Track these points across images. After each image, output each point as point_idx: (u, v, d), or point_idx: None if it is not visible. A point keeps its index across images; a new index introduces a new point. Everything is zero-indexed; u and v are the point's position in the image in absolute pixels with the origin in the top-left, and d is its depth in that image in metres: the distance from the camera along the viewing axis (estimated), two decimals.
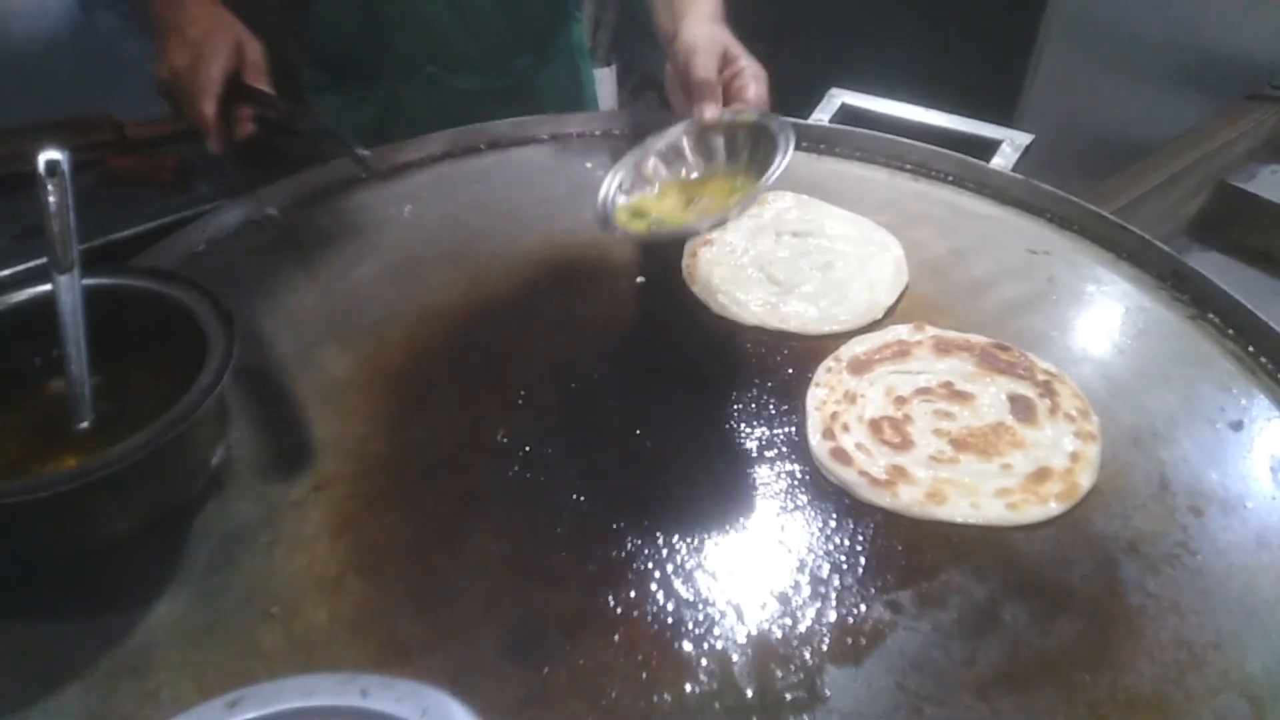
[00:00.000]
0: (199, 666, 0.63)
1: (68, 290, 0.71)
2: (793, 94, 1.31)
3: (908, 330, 0.90)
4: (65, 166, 0.70)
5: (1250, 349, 0.87)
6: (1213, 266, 0.93)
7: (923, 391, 0.83)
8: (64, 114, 1.30)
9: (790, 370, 0.87)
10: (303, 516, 0.73)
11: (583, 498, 0.75)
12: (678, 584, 0.68)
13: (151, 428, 0.64)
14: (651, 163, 0.91)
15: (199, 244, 1.02)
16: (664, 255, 1.02)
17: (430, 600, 0.67)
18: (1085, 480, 0.75)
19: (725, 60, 0.97)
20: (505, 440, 0.79)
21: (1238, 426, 0.80)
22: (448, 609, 0.66)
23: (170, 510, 0.72)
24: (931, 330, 0.90)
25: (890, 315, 0.94)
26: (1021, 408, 0.81)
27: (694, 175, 0.92)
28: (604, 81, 1.55)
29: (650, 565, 0.69)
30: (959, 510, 0.72)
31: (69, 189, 0.70)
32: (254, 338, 0.88)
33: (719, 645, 0.64)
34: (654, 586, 0.67)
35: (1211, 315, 0.91)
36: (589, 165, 1.18)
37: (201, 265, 0.99)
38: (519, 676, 0.62)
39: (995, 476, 0.75)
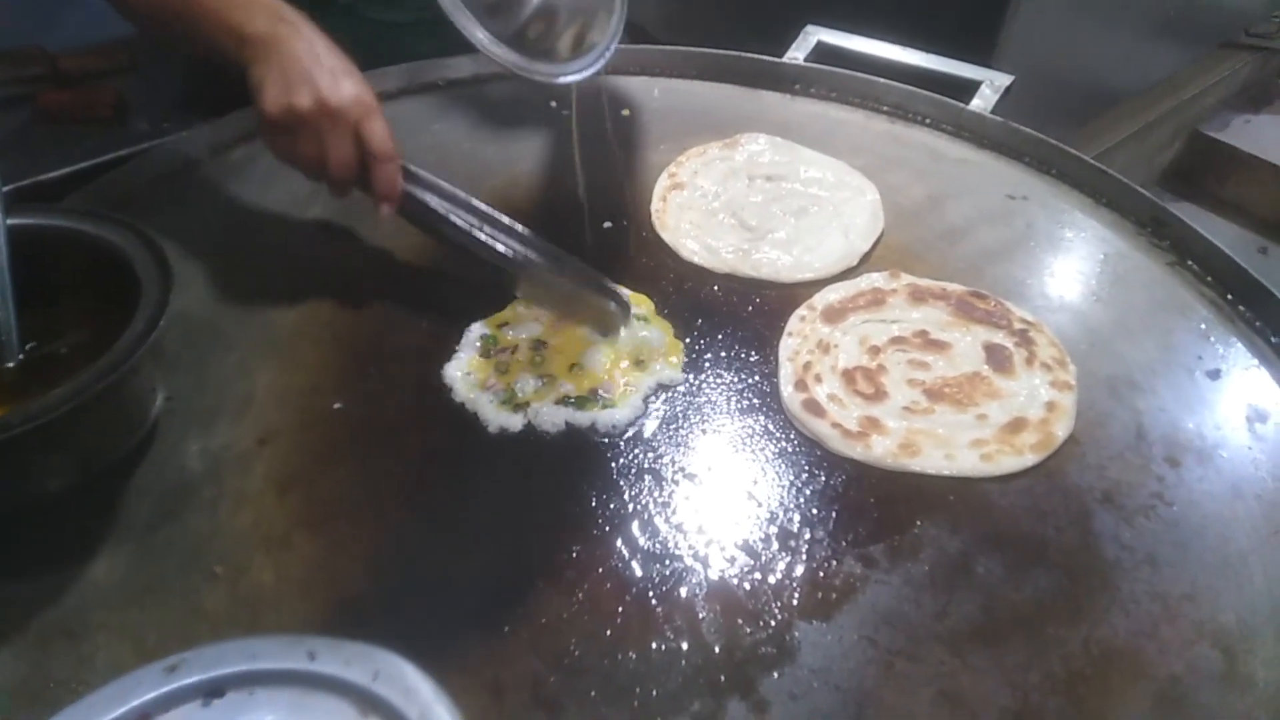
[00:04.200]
0: (138, 629, 0.60)
1: None
2: (767, 31, 1.27)
3: (883, 278, 0.87)
4: None
5: (1229, 296, 0.85)
6: (1185, 216, 0.91)
7: (897, 341, 0.81)
8: None
9: (762, 319, 0.84)
10: (248, 471, 0.69)
11: (548, 448, 0.72)
12: (644, 539, 0.65)
13: (80, 376, 0.60)
14: None
15: (137, 184, 0.96)
16: (634, 200, 0.98)
17: (385, 559, 0.64)
18: (1061, 430, 0.73)
19: None
20: None
21: (1215, 375, 0.78)
22: (403, 567, 0.64)
23: (107, 464, 0.68)
24: (907, 278, 0.87)
25: (865, 262, 0.91)
26: (997, 357, 0.79)
27: None
28: None
29: (616, 520, 0.67)
30: (932, 462, 0.71)
31: None
32: (196, 283, 0.83)
33: (686, 601, 0.62)
34: (619, 542, 0.65)
35: (1190, 262, 0.89)
36: (554, 104, 1.12)
37: (140, 206, 0.93)
38: (478, 636, 0.59)
39: (970, 427, 0.73)
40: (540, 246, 0.79)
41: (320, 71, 0.76)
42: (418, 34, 1.23)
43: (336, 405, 0.74)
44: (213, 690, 0.51)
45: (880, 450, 0.71)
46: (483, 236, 0.77)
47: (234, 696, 0.51)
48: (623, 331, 0.78)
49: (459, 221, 0.78)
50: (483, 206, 0.80)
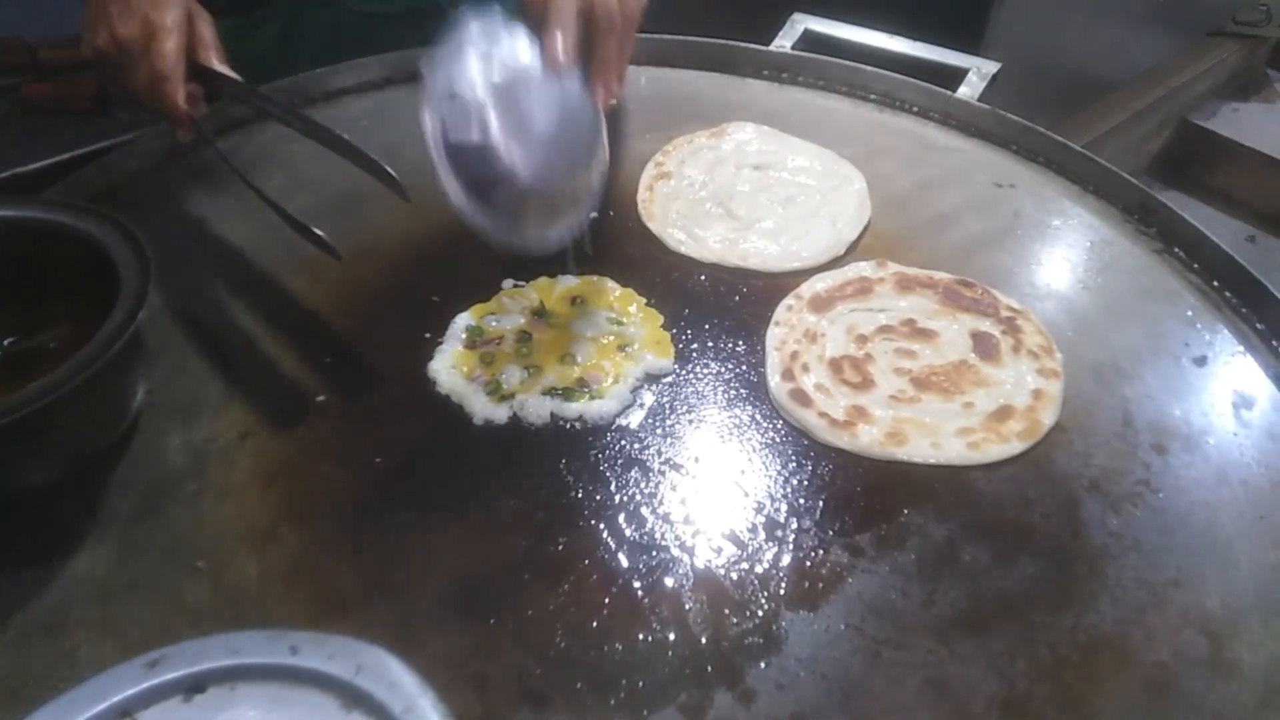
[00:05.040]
0: (120, 624, 0.59)
1: None
2: (754, 19, 1.26)
3: (870, 267, 0.87)
4: None
5: (1215, 283, 0.85)
6: (1174, 205, 0.90)
7: (884, 330, 0.81)
8: None
9: (749, 309, 0.84)
10: (231, 464, 0.68)
11: (534, 440, 0.71)
12: (630, 530, 0.65)
13: (59, 370, 0.59)
14: None
15: (119, 175, 0.95)
16: (620, 189, 0.97)
17: (369, 552, 0.64)
18: (1047, 418, 0.73)
19: None
20: None
21: (1201, 362, 0.78)
22: (387, 560, 0.63)
23: (89, 458, 0.68)
24: (894, 267, 0.87)
25: (853, 251, 0.90)
26: (984, 345, 0.79)
27: None
28: None
29: (602, 510, 0.66)
30: (919, 450, 0.70)
31: None
32: (178, 275, 0.82)
33: (672, 592, 0.61)
34: (605, 533, 0.65)
35: (1177, 249, 0.89)
36: None
37: (122, 198, 0.92)
38: (462, 629, 0.59)
39: (956, 415, 0.73)
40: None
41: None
42: (402, 26, 1.21)
43: (320, 398, 0.74)
44: (194, 686, 0.51)
45: (867, 440, 0.71)
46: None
47: (215, 692, 0.51)
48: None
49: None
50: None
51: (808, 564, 0.63)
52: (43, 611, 0.60)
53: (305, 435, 0.71)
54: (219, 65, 0.84)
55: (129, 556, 0.63)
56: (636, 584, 0.62)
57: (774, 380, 0.76)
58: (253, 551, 0.63)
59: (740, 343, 0.80)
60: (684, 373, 0.77)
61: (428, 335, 0.79)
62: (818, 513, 0.67)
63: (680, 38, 1.18)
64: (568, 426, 0.72)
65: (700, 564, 0.63)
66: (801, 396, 0.74)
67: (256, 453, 0.69)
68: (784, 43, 1.18)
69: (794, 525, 0.66)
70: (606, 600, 0.61)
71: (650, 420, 0.73)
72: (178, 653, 0.52)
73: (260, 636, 0.53)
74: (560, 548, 0.64)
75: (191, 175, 0.97)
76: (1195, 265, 0.87)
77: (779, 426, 0.73)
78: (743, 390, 0.76)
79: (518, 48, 0.73)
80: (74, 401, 0.60)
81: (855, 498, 0.68)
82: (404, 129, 1.03)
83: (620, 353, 0.78)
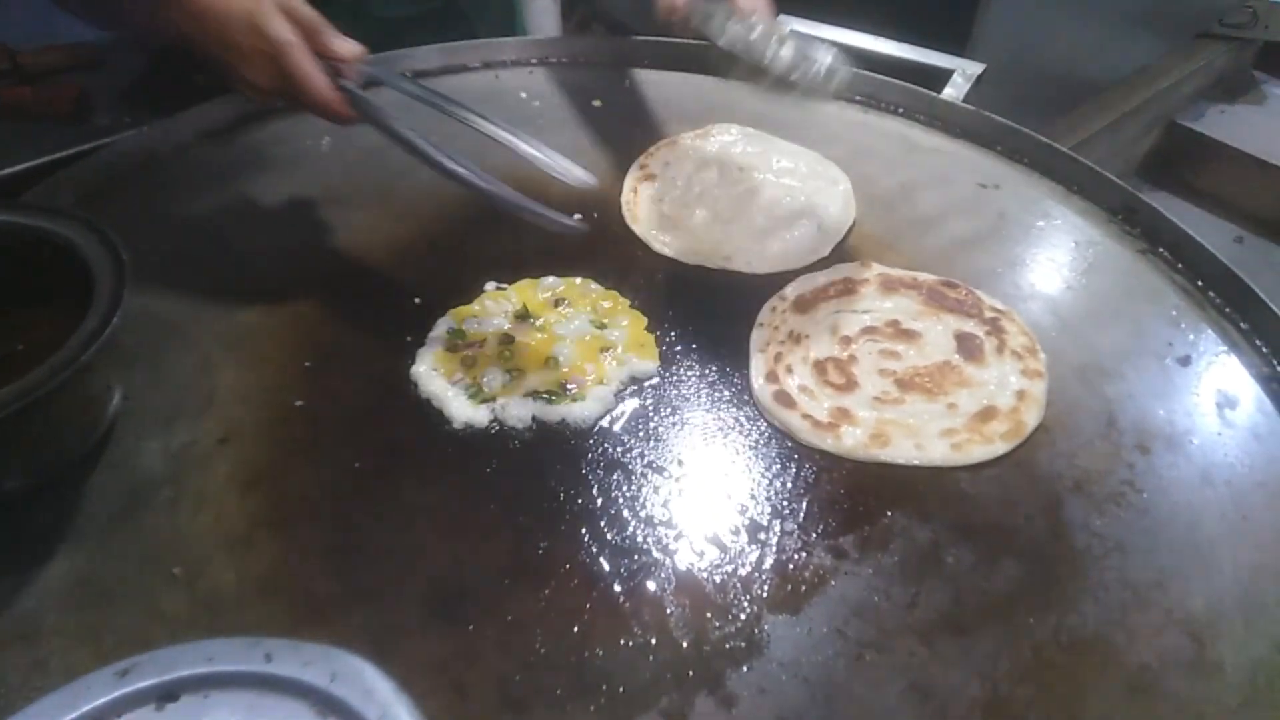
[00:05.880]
0: (95, 632, 0.58)
1: None
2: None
3: (854, 268, 0.87)
4: None
5: (1199, 283, 0.85)
6: (1161, 206, 0.90)
7: (869, 331, 0.80)
8: None
9: (734, 310, 0.83)
10: (209, 470, 0.68)
11: (516, 444, 0.71)
12: (612, 533, 0.64)
13: (31, 375, 0.59)
14: None
15: (98, 179, 0.94)
16: (604, 192, 0.97)
17: (348, 557, 0.63)
18: (1031, 418, 0.73)
19: None
20: None
21: (1185, 362, 0.78)
22: (367, 566, 0.63)
23: (64, 464, 0.67)
24: (878, 268, 0.87)
25: (837, 252, 0.90)
26: (968, 346, 0.78)
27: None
28: (547, 12, 1.46)
29: (583, 514, 0.66)
30: (903, 452, 0.70)
31: None
32: (156, 280, 0.81)
33: (654, 596, 0.61)
34: (587, 537, 0.64)
35: (1161, 250, 0.89)
36: (523, 95, 1.11)
37: (100, 202, 0.91)
38: (442, 635, 0.58)
39: (940, 417, 0.73)
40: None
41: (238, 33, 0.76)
42: (419, 29, 1.22)
43: (299, 403, 0.73)
44: (166, 694, 0.50)
45: (850, 442, 0.71)
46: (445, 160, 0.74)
47: (188, 700, 0.50)
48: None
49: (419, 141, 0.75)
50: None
51: (790, 567, 0.63)
52: (15, 619, 0.59)
53: (284, 440, 0.70)
54: (338, 43, 0.80)
55: (104, 563, 0.62)
56: (618, 588, 0.61)
57: (758, 382, 0.75)
58: (230, 558, 0.62)
59: (724, 344, 0.80)
60: (667, 375, 0.77)
61: (408, 338, 0.79)
62: (801, 515, 0.66)
63: (665, 39, 1.18)
64: (549, 430, 0.72)
65: (682, 567, 0.63)
66: (785, 399, 0.73)
67: (234, 458, 0.69)
68: None
69: (777, 528, 0.65)
70: (587, 605, 0.60)
71: (633, 423, 0.73)
72: (150, 660, 0.51)
73: (234, 644, 0.52)
74: (541, 552, 0.63)
75: (171, 179, 0.97)
76: (1179, 265, 0.87)
77: (762, 429, 0.73)
78: (726, 392, 0.76)
79: None
80: (47, 406, 0.59)
81: (838, 500, 0.67)
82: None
83: (603, 355, 0.77)
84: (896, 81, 1.09)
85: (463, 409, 0.72)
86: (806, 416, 0.72)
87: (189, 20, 0.77)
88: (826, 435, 0.71)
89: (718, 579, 0.62)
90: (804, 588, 0.62)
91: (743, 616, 0.60)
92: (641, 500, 0.67)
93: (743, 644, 0.58)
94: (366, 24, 1.21)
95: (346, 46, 0.80)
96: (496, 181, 0.72)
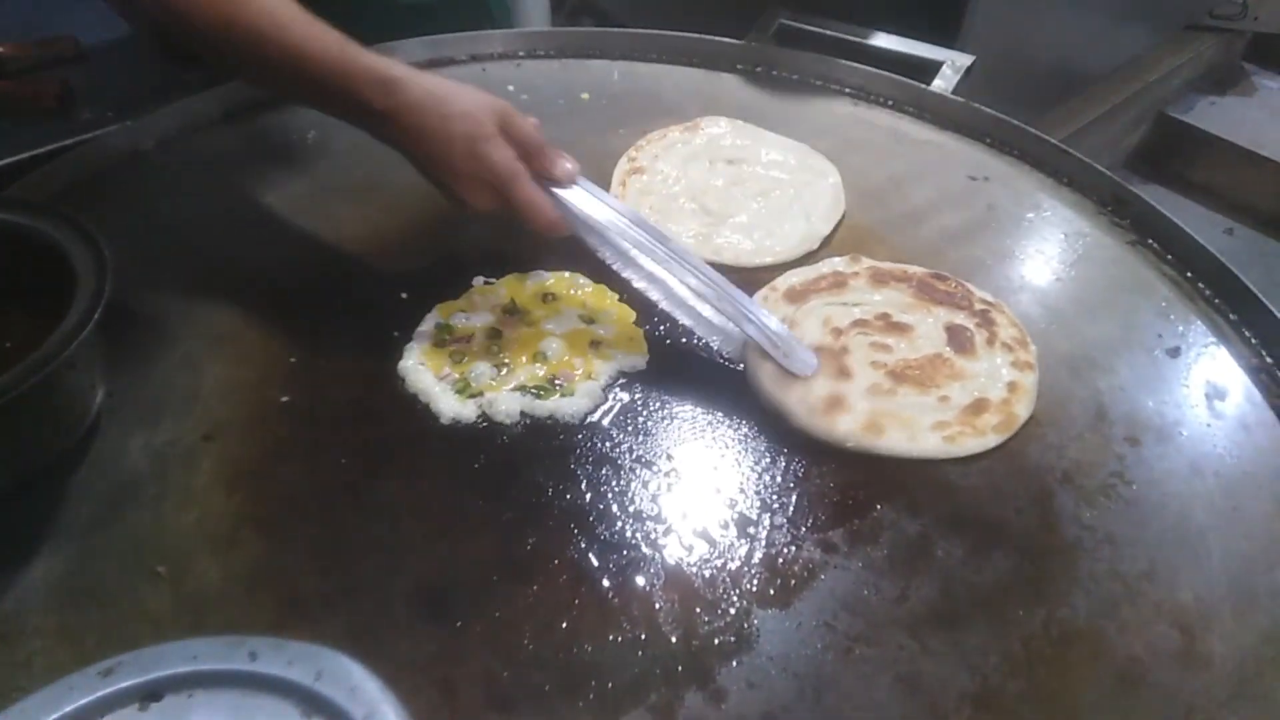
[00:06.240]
0: (78, 632, 0.58)
1: None
2: (730, 13, 1.25)
3: (843, 262, 0.86)
4: None
5: (1189, 275, 0.85)
6: (1152, 198, 0.90)
7: (859, 324, 0.80)
8: None
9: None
10: (193, 468, 0.67)
11: (504, 439, 0.70)
12: (600, 528, 0.64)
13: (11, 371, 0.58)
14: None
15: (81, 174, 0.93)
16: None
17: (333, 555, 0.62)
18: (1022, 410, 0.72)
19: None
20: None
21: (1175, 353, 0.78)
22: (353, 563, 0.62)
23: (47, 462, 0.66)
24: (868, 261, 0.86)
25: (827, 245, 0.90)
26: (959, 338, 0.78)
27: None
28: (537, 3, 1.45)
29: (571, 509, 0.65)
30: (896, 443, 0.70)
31: None
32: (140, 276, 0.80)
33: (643, 591, 0.61)
34: (575, 532, 0.64)
35: (1151, 241, 0.89)
36: (511, 89, 1.10)
37: (83, 198, 0.90)
38: (429, 632, 0.58)
39: (932, 409, 0.73)
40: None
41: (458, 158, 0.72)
42: (441, 17, 1.21)
43: (284, 399, 0.72)
44: (150, 694, 0.50)
45: (845, 428, 0.70)
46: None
47: (172, 700, 0.50)
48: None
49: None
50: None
51: (780, 561, 0.63)
52: None
53: (269, 437, 0.70)
54: (559, 167, 0.75)
55: (88, 562, 0.62)
56: (606, 583, 0.61)
57: (753, 361, 0.75)
58: (215, 556, 0.62)
59: (714, 338, 0.79)
60: (657, 370, 0.77)
61: (396, 333, 0.78)
62: (790, 509, 0.66)
63: (654, 32, 1.17)
64: (538, 425, 0.71)
65: (671, 562, 0.62)
66: (782, 380, 0.73)
67: (219, 455, 0.68)
68: (758, 37, 1.17)
69: (766, 522, 0.65)
70: (576, 600, 0.60)
71: (622, 417, 0.72)
72: (134, 660, 0.51)
73: (218, 643, 0.51)
74: (529, 548, 0.63)
75: (154, 175, 0.96)
76: (1169, 257, 0.87)
77: (751, 423, 0.72)
78: (715, 387, 0.75)
79: None
80: (29, 404, 0.59)
81: (828, 494, 0.67)
82: None
83: (592, 350, 0.77)
84: (886, 74, 1.09)
85: (450, 404, 0.72)
86: (801, 400, 0.72)
87: (406, 139, 0.73)
88: (822, 419, 0.70)
89: (707, 574, 0.62)
90: (793, 582, 0.61)
91: (732, 611, 0.60)
92: (630, 495, 0.67)
93: (732, 639, 0.58)
94: (385, 12, 1.20)
95: (566, 169, 0.75)
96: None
